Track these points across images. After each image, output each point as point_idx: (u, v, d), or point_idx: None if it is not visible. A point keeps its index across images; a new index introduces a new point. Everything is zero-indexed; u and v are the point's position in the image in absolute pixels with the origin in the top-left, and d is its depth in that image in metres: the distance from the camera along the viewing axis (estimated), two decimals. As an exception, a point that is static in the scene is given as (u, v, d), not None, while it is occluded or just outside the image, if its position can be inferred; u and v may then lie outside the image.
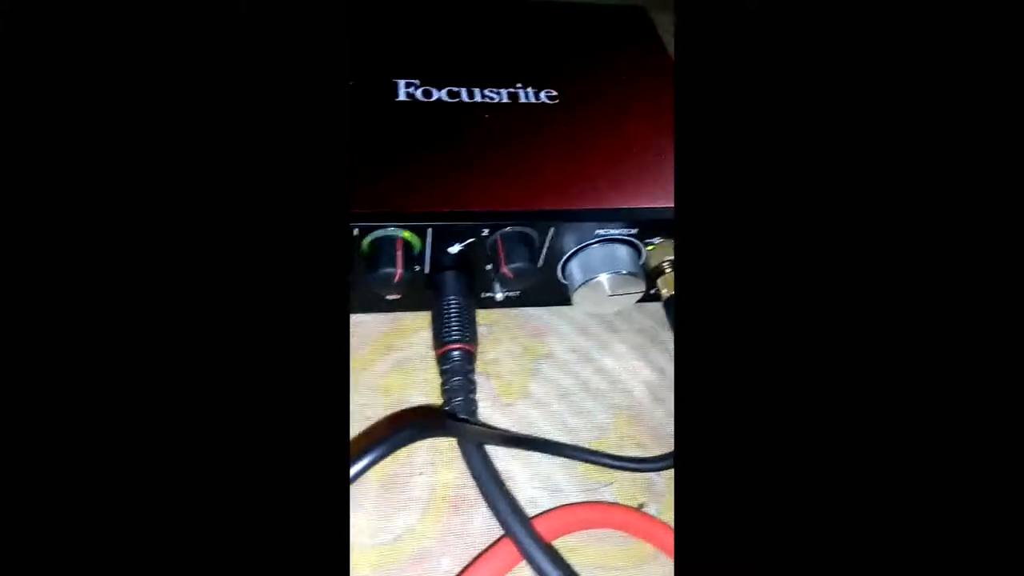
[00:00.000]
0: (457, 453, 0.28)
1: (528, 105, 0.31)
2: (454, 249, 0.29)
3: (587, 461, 0.29)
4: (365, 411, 0.30)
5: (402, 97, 0.31)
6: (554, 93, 0.32)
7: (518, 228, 0.28)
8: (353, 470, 0.24)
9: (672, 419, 0.31)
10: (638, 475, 0.29)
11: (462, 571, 0.26)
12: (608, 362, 0.33)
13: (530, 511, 0.27)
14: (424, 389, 0.31)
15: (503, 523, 0.26)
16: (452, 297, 0.30)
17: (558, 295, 0.32)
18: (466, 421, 0.28)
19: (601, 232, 0.29)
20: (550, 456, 0.29)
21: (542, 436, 0.30)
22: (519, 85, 0.32)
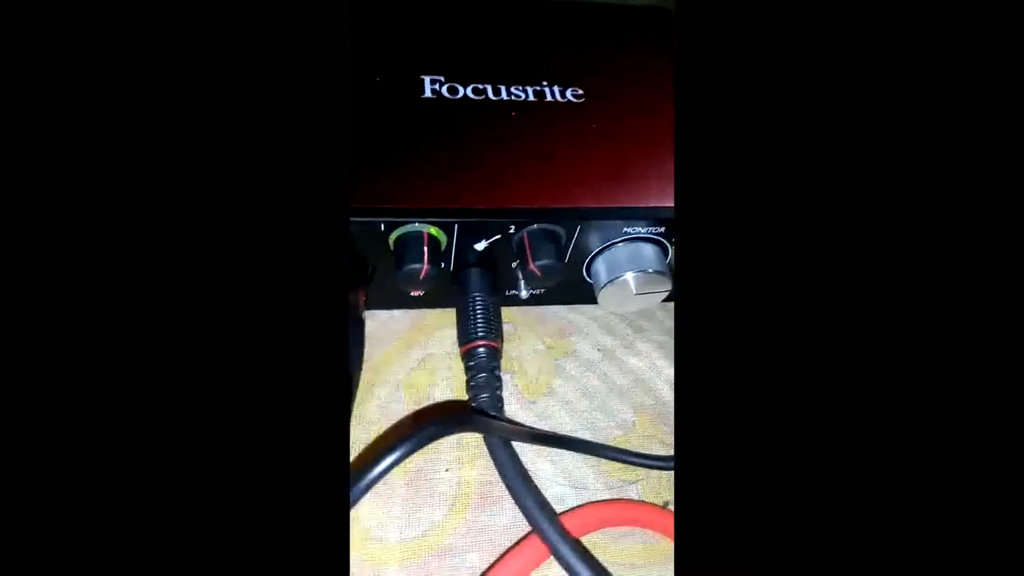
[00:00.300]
0: (483, 449, 0.28)
1: (554, 103, 0.31)
2: (480, 246, 0.29)
3: (613, 459, 0.29)
4: (388, 407, 0.30)
5: (428, 94, 0.31)
6: (580, 92, 0.32)
7: (545, 225, 0.28)
8: (380, 466, 0.24)
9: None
10: (663, 473, 0.29)
11: (489, 567, 0.26)
12: (633, 361, 0.33)
13: (556, 508, 0.27)
14: (448, 386, 0.31)
15: (530, 519, 0.26)
16: (478, 294, 0.30)
17: (583, 293, 0.32)
18: (493, 417, 0.28)
19: (628, 230, 0.29)
20: (576, 453, 0.29)
21: (567, 434, 0.30)
22: (545, 83, 0.32)
